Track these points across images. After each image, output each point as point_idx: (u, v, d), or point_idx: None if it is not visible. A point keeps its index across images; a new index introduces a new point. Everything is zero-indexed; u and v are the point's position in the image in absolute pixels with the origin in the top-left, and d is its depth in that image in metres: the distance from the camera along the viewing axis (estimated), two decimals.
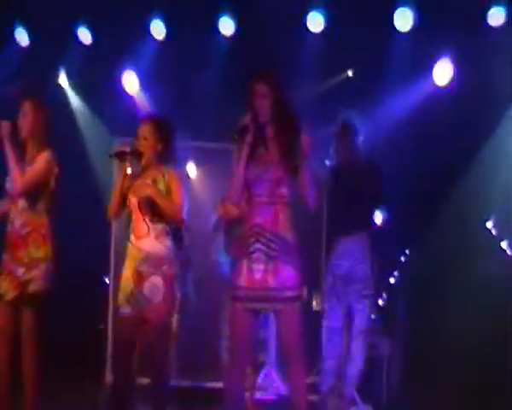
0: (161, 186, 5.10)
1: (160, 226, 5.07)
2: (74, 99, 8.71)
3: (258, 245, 4.45)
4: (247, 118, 4.50)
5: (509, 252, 7.26)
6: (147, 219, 5.06)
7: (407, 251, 7.81)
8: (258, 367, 7.27)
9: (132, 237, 5.13)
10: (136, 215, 5.12)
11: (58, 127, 5.79)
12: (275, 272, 4.43)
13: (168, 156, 5.22)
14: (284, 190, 4.49)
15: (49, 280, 5.32)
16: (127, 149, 5.11)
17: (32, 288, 5.22)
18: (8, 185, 5.36)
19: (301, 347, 4.63)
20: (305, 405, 4.61)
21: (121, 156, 5.10)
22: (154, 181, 5.10)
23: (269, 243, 4.46)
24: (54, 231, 5.36)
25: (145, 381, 5.46)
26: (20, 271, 5.28)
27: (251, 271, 4.45)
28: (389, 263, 7.61)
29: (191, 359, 7.73)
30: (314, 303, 7.79)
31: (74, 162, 6.83)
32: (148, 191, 4.92)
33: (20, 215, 5.30)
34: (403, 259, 7.82)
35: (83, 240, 7.83)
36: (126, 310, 5.03)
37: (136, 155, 5.11)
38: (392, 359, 7.50)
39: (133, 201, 5.11)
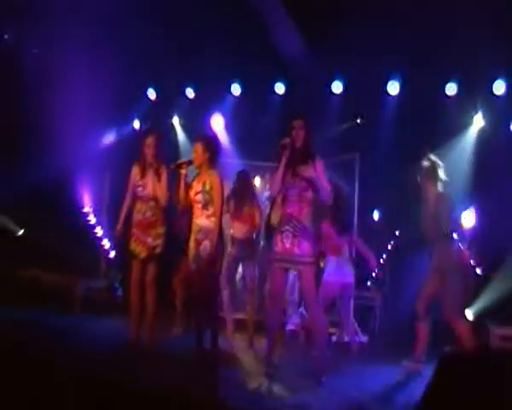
0: (207, 188, 7.03)
1: (208, 211, 7.06)
2: (180, 133, 12.00)
3: (287, 227, 6.49)
4: (284, 141, 6.36)
5: None
6: (200, 206, 7.08)
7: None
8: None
9: (194, 218, 7.14)
10: (194, 204, 7.13)
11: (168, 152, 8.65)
12: (298, 245, 6.40)
13: (214, 164, 7.15)
14: (307, 194, 6.42)
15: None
16: (184, 160, 7.20)
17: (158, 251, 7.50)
18: (140, 191, 7.50)
19: (315, 295, 6.55)
20: (323, 334, 6.53)
21: (179, 166, 7.14)
22: (204, 183, 7.06)
23: (295, 226, 6.47)
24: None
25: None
26: (149, 239, 7.52)
27: (282, 242, 6.48)
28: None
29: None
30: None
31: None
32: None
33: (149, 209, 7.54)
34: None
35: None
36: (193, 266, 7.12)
37: (188, 163, 7.14)
38: (382, 307, 9.89)
39: (192, 195, 7.09)
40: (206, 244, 6.98)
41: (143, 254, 7.49)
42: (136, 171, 7.58)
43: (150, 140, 7.51)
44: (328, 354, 6.68)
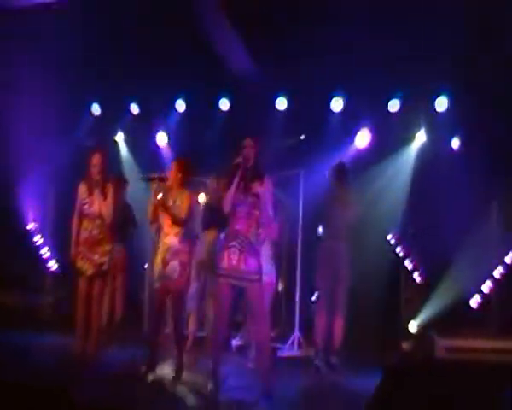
0: (178, 203, 7.07)
1: (177, 228, 7.09)
2: (124, 150, 12.00)
3: (234, 243, 6.42)
4: (237, 160, 6.39)
5: None
6: (169, 223, 7.10)
7: None
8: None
9: (162, 235, 7.16)
10: (163, 221, 7.15)
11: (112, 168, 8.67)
12: (244, 261, 6.35)
13: (185, 184, 7.24)
14: (255, 212, 6.43)
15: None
16: (154, 175, 7.10)
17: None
18: (86, 209, 7.67)
19: (264, 311, 6.58)
20: (268, 349, 6.51)
21: (151, 179, 7.12)
22: (175, 201, 7.10)
23: (242, 242, 6.42)
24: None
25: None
26: (96, 256, 7.68)
27: (229, 258, 6.40)
28: None
29: None
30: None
31: None
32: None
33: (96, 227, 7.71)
34: None
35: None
36: (157, 284, 7.11)
37: (162, 179, 7.10)
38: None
39: (161, 211, 7.12)
40: (174, 265, 7.03)
41: (90, 271, 7.65)
42: (82, 189, 7.69)
43: (96, 158, 7.65)
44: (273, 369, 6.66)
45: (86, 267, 7.66)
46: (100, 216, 7.68)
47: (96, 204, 7.66)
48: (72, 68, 9.89)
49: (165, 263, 7.05)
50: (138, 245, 10.25)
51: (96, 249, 7.67)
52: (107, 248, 7.76)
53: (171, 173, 7.18)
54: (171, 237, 7.10)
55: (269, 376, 6.43)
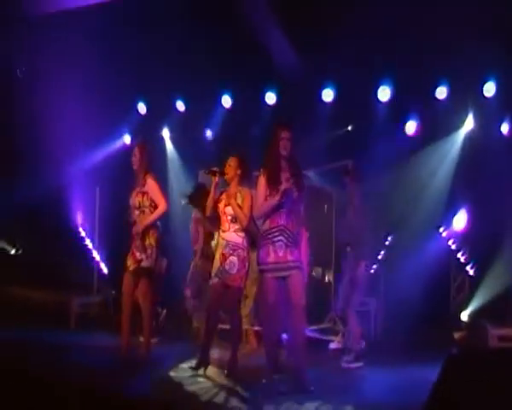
0: (239, 201, 7.12)
1: (236, 225, 7.15)
2: (170, 146, 12.18)
3: (280, 237, 6.54)
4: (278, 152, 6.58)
5: None
6: (229, 219, 7.19)
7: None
8: None
9: (220, 231, 7.27)
10: (222, 216, 7.25)
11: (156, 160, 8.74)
12: (291, 253, 6.50)
13: (244, 181, 7.34)
14: (298, 207, 6.65)
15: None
16: (216, 169, 7.27)
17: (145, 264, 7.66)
18: (131, 201, 7.76)
19: (304, 303, 6.57)
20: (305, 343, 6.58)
21: (212, 173, 7.25)
22: (235, 197, 7.15)
23: (288, 237, 6.56)
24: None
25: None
26: (138, 253, 7.66)
27: (275, 252, 6.52)
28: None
29: None
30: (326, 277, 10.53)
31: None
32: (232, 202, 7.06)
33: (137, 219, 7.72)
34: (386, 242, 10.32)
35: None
36: (215, 280, 7.23)
37: (221, 173, 7.25)
38: (377, 312, 10.00)
39: (221, 207, 7.24)
40: (233, 261, 7.08)
41: (132, 267, 7.68)
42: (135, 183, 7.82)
43: (135, 150, 7.80)
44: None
45: (130, 263, 7.70)
46: (139, 207, 7.72)
47: (136, 195, 7.78)
48: (118, 68, 10.01)
49: (224, 258, 7.12)
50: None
51: (138, 244, 7.66)
52: (149, 242, 7.69)
53: (230, 169, 7.24)
54: (230, 234, 7.16)
55: (305, 367, 6.52)
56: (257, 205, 6.74)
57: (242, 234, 7.15)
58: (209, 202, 7.24)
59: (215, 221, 7.49)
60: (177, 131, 11.94)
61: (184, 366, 7.54)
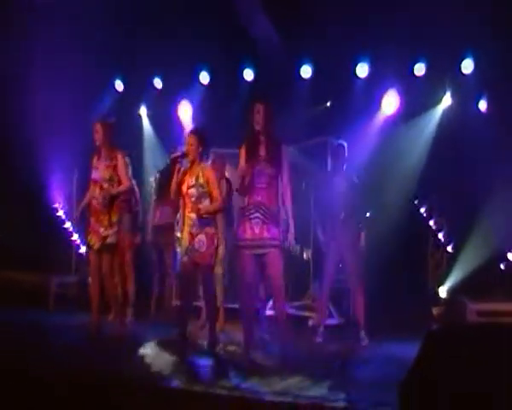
0: (201, 180, 7.03)
1: (201, 204, 7.04)
2: (147, 124, 12.08)
3: (257, 214, 6.56)
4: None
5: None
6: (193, 200, 7.07)
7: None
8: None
9: (186, 211, 7.19)
10: (186, 198, 7.17)
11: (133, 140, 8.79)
12: (268, 230, 6.53)
13: (206, 156, 7.31)
14: (275, 182, 6.59)
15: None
16: (178, 154, 7.23)
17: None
18: (93, 173, 7.69)
19: (283, 282, 6.72)
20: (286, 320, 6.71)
21: (175, 160, 7.22)
22: (197, 177, 7.05)
23: (265, 213, 6.57)
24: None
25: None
26: (101, 229, 7.62)
27: (252, 229, 6.57)
28: None
29: None
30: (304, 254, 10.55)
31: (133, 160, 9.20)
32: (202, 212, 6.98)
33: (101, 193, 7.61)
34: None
35: None
36: (185, 258, 7.19)
37: (183, 156, 7.19)
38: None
39: (184, 189, 7.13)
40: (202, 239, 7.04)
41: (97, 245, 7.62)
42: (93, 158, 7.79)
43: (97, 126, 7.73)
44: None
45: (94, 241, 7.65)
46: (105, 181, 7.67)
47: (100, 169, 7.71)
48: (94, 45, 9.96)
49: (191, 237, 7.08)
50: None
51: (101, 219, 7.61)
52: (114, 219, 7.68)
53: (191, 149, 7.16)
54: (195, 213, 7.11)
55: (288, 344, 6.60)
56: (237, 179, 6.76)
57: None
58: (172, 186, 7.20)
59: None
60: (155, 109, 11.86)
61: (154, 343, 7.55)
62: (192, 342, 7.50)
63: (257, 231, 6.49)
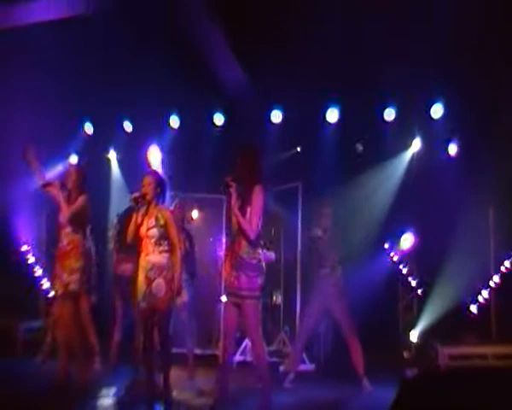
0: (161, 222, 6.94)
1: (161, 247, 6.99)
2: (115, 168, 11.99)
3: (234, 262, 6.42)
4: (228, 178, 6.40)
5: None
6: (153, 241, 6.97)
7: None
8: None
9: (143, 254, 7.04)
10: (145, 240, 7.03)
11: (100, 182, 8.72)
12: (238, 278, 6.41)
13: (163, 199, 7.16)
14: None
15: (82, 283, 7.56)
16: (137, 195, 7.01)
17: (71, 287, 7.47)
18: (60, 218, 7.57)
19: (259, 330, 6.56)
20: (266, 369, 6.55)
21: (134, 200, 7.00)
22: (157, 218, 6.96)
23: (240, 261, 6.43)
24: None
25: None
26: (64, 275, 7.46)
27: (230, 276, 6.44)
28: None
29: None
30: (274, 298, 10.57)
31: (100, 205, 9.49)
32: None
33: (65, 236, 7.56)
34: None
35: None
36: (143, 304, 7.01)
37: (142, 197, 7.00)
38: (326, 333, 9.88)
39: (143, 231, 7.00)
40: (160, 283, 6.91)
41: (60, 292, 7.47)
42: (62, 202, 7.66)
43: (72, 170, 7.84)
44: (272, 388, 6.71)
45: (57, 287, 7.51)
46: (68, 224, 7.58)
47: (64, 211, 7.59)
48: (64, 88, 9.85)
49: (149, 281, 6.95)
50: None
51: (64, 265, 7.46)
52: (77, 264, 7.51)
53: (148, 187, 7.06)
54: (155, 256, 6.99)
55: (268, 398, 6.47)
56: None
57: (167, 255, 7.00)
58: (131, 227, 7.07)
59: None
60: (124, 153, 11.82)
61: (108, 392, 7.54)
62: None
63: (232, 279, 6.44)
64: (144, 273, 6.97)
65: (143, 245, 7.05)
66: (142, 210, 7.05)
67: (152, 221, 6.99)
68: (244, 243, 6.42)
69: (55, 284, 7.53)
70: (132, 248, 7.53)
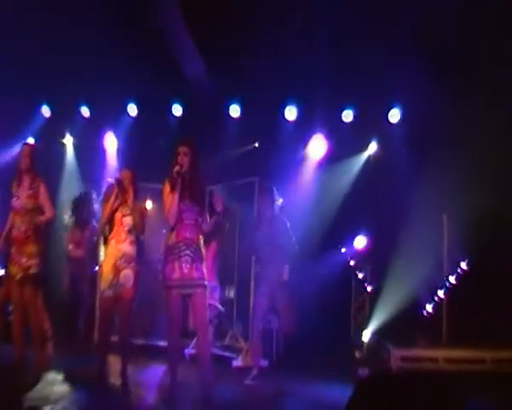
0: (136, 213, 7.09)
1: (133, 236, 7.13)
2: (70, 153, 11.88)
3: (187, 251, 6.42)
4: (176, 167, 6.38)
5: None
6: (126, 229, 7.11)
7: None
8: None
9: (114, 241, 7.11)
10: (118, 226, 7.11)
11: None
12: (196, 269, 6.41)
13: (136, 191, 7.28)
14: (200, 219, 6.52)
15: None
16: (120, 179, 7.17)
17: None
18: (14, 202, 7.45)
19: (207, 321, 6.65)
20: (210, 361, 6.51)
21: (117, 182, 7.14)
22: (132, 209, 7.09)
23: (194, 251, 6.46)
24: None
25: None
26: (24, 259, 7.41)
27: (181, 268, 6.40)
28: None
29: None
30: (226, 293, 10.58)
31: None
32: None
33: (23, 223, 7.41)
34: None
35: None
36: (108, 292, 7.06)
37: (120, 183, 7.15)
38: (279, 330, 9.78)
39: (118, 217, 7.10)
40: (128, 274, 7.02)
41: (19, 276, 7.39)
42: (13, 184, 7.54)
43: (25, 150, 7.59)
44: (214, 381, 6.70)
45: (15, 271, 7.41)
46: (28, 211, 7.45)
47: (23, 197, 7.48)
48: (22, 69, 9.77)
49: (117, 271, 7.01)
50: None
51: (24, 250, 7.38)
52: (36, 248, 7.44)
53: (128, 182, 7.20)
54: (127, 245, 7.09)
55: (210, 386, 6.48)
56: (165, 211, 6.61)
57: (136, 246, 7.16)
58: (107, 211, 7.13)
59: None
60: (80, 138, 11.75)
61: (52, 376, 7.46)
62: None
63: (186, 270, 6.38)
64: (113, 261, 7.03)
65: (115, 232, 7.12)
66: (119, 197, 7.11)
67: (127, 209, 7.10)
68: (199, 234, 6.53)
69: (13, 268, 7.41)
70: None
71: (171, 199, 6.40)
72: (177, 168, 6.39)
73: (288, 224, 8.39)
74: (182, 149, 6.55)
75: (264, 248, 8.29)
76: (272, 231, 8.27)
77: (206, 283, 6.47)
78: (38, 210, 7.49)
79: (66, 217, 9.88)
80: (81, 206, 9.59)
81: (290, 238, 8.33)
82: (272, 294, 8.23)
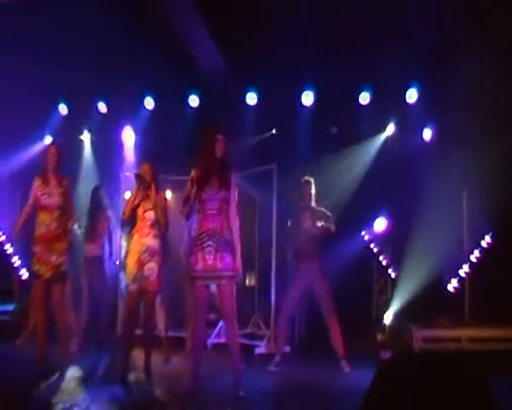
0: (159, 206, 7.13)
1: (155, 230, 7.21)
2: (88, 149, 11.95)
3: (210, 242, 6.46)
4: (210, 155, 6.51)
5: None
6: (149, 224, 7.20)
7: None
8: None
9: (137, 235, 7.21)
10: (141, 221, 7.22)
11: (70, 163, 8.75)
12: (220, 259, 6.43)
13: (157, 185, 7.30)
14: (226, 207, 6.51)
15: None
16: (140, 174, 7.23)
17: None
18: (44, 199, 7.33)
19: (235, 311, 6.56)
20: (239, 350, 6.54)
21: (137, 177, 7.21)
22: (155, 203, 7.12)
23: (218, 241, 6.47)
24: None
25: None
26: (54, 257, 7.33)
27: (204, 259, 6.46)
28: None
29: None
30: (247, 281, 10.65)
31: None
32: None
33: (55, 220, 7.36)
34: None
35: None
36: (133, 286, 7.19)
37: (141, 178, 7.20)
38: (301, 316, 10.12)
39: (140, 212, 7.18)
40: (153, 267, 7.10)
41: (48, 275, 7.30)
42: (38, 182, 7.43)
43: (54, 149, 7.56)
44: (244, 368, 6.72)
45: (44, 270, 7.27)
46: (59, 208, 7.39)
47: (54, 195, 7.41)
48: (40, 68, 9.72)
49: (141, 264, 7.09)
50: None
51: (54, 247, 7.30)
52: (66, 245, 7.40)
53: (149, 175, 7.25)
54: (150, 239, 7.17)
55: (241, 373, 6.51)
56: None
57: (159, 240, 7.22)
58: (130, 205, 7.21)
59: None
60: (98, 134, 11.81)
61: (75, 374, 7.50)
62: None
63: (210, 262, 6.40)
64: (137, 256, 7.12)
65: (138, 226, 7.20)
66: (140, 192, 7.18)
67: (150, 204, 7.17)
68: (225, 222, 6.50)
69: (41, 267, 7.27)
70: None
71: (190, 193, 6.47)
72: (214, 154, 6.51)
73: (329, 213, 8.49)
74: (220, 137, 6.60)
75: (304, 240, 8.34)
76: (314, 222, 8.35)
77: (231, 273, 6.43)
78: (66, 209, 7.48)
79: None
80: (92, 200, 9.56)
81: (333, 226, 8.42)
82: (309, 286, 8.29)
